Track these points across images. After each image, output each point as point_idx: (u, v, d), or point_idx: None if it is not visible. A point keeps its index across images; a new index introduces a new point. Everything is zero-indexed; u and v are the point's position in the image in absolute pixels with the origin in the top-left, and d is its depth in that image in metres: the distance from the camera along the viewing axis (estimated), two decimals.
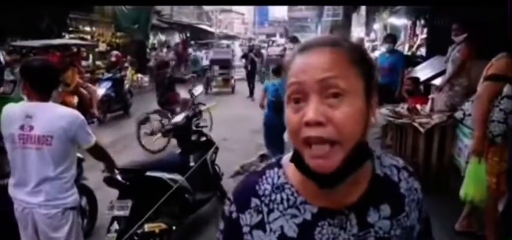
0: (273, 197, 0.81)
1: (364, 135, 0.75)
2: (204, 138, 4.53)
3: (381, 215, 0.81)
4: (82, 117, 2.55)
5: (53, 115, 2.41)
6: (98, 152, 2.73)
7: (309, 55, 0.74)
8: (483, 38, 4.72)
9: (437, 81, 5.57)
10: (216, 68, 15.29)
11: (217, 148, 4.65)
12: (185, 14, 25.76)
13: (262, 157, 6.33)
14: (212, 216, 4.39)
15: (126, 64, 14.63)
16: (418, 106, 5.00)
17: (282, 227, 0.80)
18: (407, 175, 0.88)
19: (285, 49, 15.25)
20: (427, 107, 4.93)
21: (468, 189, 3.18)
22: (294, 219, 0.79)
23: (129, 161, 3.63)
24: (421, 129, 4.44)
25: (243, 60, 14.56)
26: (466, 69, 4.79)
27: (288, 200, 0.81)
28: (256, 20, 45.26)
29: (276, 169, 0.86)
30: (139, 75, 15.23)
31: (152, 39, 21.59)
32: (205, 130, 4.59)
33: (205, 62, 17.18)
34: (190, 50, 17.17)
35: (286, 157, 0.86)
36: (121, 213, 3.24)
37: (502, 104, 2.96)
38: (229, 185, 5.11)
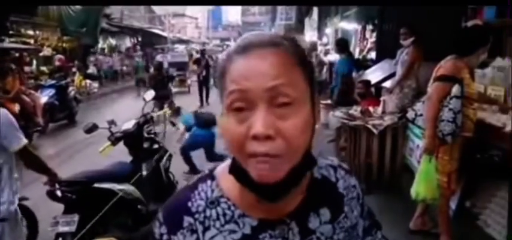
0: (208, 213, 0.74)
1: (310, 143, 0.69)
2: (156, 146, 4.34)
3: (322, 220, 0.78)
4: (11, 116, 2.36)
5: None
6: (30, 157, 2.52)
7: (251, 58, 0.65)
8: (430, 41, 4.92)
9: (387, 84, 5.75)
10: (173, 70, 16.24)
11: (171, 155, 4.48)
12: (136, 18, 25.16)
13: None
14: None
15: (74, 69, 13.98)
16: (371, 108, 5.12)
17: None
18: (344, 173, 0.85)
19: None
20: (379, 109, 5.05)
21: (419, 188, 3.25)
22: (232, 235, 0.73)
23: (74, 173, 3.39)
24: (375, 131, 4.54)
25: (195, 67, 13.43)
26: (414, 72, 4.96)
27: (224, 214, 0.74)
28: (210, 24, 44.99)
29: (209, 182, 0.77)
30: (88, 81, 14.57)
31: (102, 44, 20.83)
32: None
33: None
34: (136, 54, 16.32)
35: (220, 168, 0.79)
36: (66, 229, 3.00)
37: (451, 104, 3.05)
38: None
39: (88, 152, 6.59)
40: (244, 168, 0.66)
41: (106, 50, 21.47)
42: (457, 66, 3.07)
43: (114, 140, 3.75)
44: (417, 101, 3.95)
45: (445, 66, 3.15)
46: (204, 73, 12.38)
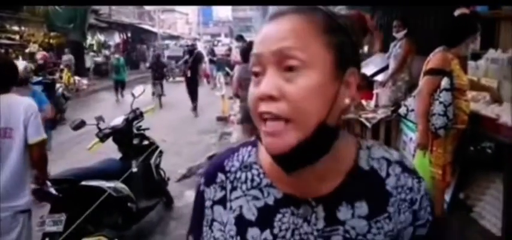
0: (238, 175, 0.78)
1: (329, 115, 0.65)
2: (146, 142, 4.26)
3: (355, 213, 0.71)
4: (36, 106, 2.42)
5: (11, 105, 2.31)
6: (42, 153, 2.49)
7: (270, 24, 0.68)
8: (423, 34, 4.89)
9: (380, 77, 5.71)
10: (173, 62, 18.73)
11: (161, 152, 4.41)
12: (125, 14, 24.81)
13: (211, 158, 6.15)
14: (157, 225, 4.13)
15: (61, 66, 13.75)
16: (364, 102, 5.09)
17: (241, 207, 0.75)
18: (400, 171, 0.75)
19: (230, 49, 15.14)
20: (372, 103, 5.03)
21: None
22: (255, 201, 0.74)
23: (62, 171, 3.30)
24: (368, 124, 4.51)
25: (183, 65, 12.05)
26: (407, 65, 4.93)
27: (252, 180, 0.76)
28: (201, 20, 44.67)
29: (249, 147, 0.81)
30: (77, 77, 14.34)
31: (90, 40, 20.56)
32: None
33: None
34: (117, 54, 14.28)
35: None
36: (54, 228, 2.91)
37: (441, 97, 3.02)
38: (176, 190, 4.88)
39: (77, 149, 6.48)
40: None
41: (94, 47, 21.23)
42: (446, 59, 3.04)
43: (103, 137, 3.67)
44: (408, 96, 3.93)
45: (433, 59, 3.12)
46: (189, 74, 10.61)
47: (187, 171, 5.62)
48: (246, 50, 6.16)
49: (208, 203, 0.79)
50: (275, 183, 0.74)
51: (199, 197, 0.82)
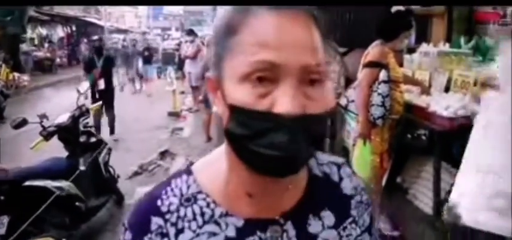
0: (181, 213, 0.62)
1: None
2: (94, 139, 4.17)
3: (324, 224, 0.66)
4: None
5: None
6: None
7: (284, 17, 0.54)
8: (361, 28, 5.14)
9: None
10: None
11: (110, 149, 4.34)
12: (69, 6, 23.62)
13: (163, 154, 6.12)
14: (107, 223, 4.08)
15: None
16: None
17: None
18: (350, 172, 0.72)
19: (180, 43, 14.91)
20: None
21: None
22: (212, 238, 0.61)
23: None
24: None
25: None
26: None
27: (202, 214, 0.62)
28: (151, 13, 43.47)
29: (184, 177, 0.66)
30: (16, 74, 13.49)
31: (30, 34, 19.39)
32: None
33: None
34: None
35: (199, 162, 0.69)
36: None
37: (380, 89, 3.23)
38: (126, 187, 4.83)
39: (19, 149, 6.15)
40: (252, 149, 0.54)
41: (36, 41, 20.08)
42: (383, 52, 3.24)
43: (47, 135, 3.55)
44: (349, 88, 4.14)
45: (372, 52, 3.32)
46: (102, 85, 6.84)
47: (138, 168, 5.57)
48: None
49: None
50: (231, 210, 0.62)
51: None
